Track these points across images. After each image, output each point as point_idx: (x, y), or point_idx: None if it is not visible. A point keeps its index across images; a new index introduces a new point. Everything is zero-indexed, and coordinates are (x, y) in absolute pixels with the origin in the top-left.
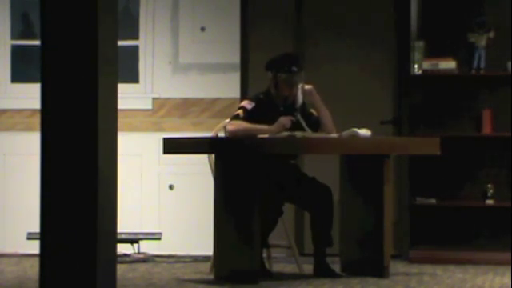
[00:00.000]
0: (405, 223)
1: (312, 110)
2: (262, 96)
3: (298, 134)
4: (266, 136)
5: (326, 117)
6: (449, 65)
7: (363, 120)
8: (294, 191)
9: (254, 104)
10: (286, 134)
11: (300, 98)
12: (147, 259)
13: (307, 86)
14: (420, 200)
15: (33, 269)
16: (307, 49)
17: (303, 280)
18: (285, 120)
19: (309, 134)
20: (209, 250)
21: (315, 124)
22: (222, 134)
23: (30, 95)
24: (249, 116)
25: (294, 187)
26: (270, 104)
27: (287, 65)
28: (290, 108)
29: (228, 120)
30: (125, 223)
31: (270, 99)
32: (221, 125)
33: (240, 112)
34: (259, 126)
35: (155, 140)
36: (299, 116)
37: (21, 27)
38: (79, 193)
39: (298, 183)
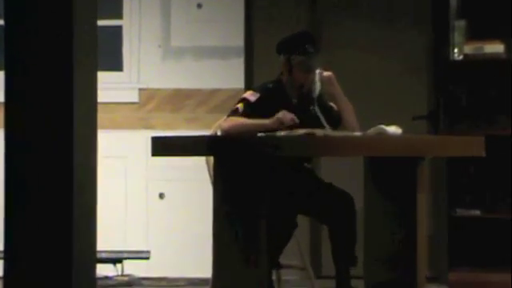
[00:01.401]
0: (442, 239)
1: (332, 104)
2: (270, 86)
3: (319, 131)
4: (283, 133)
5: (349, 111)
6: (495, 48)
7: (392, 115)
8: (308, 200)
9: (258, 95)
10: (302, 131)
11: (318, 87)
12: (133, 282)
13: (326, 73)
14: (461, 211)
15: None
16: (324, 31)
17: None
18: (285, 115)
19: (330, 131)
20: (207, 272)
21: (335, 120)
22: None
23: None
24: (252, 110)
25: (308, 195)
26: (280, 94)
27: (302, 45)
28: (305, 99)
29: (225, 117)
30: (106, 239)
31: (282, 89)
32: (220, 121)
33: (240, 106)
34: (258, 122)
35: (142, 139)
36: (317, 109)
37: None
38: (51, 204)
39: (313, 191)
